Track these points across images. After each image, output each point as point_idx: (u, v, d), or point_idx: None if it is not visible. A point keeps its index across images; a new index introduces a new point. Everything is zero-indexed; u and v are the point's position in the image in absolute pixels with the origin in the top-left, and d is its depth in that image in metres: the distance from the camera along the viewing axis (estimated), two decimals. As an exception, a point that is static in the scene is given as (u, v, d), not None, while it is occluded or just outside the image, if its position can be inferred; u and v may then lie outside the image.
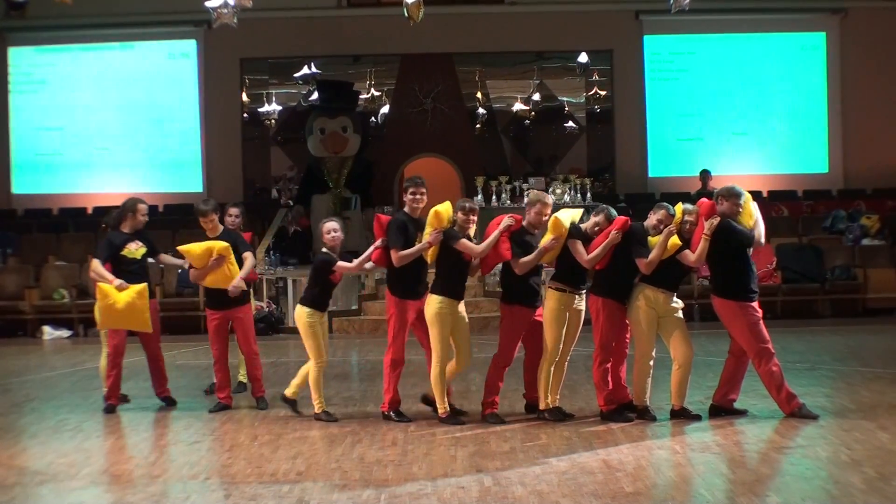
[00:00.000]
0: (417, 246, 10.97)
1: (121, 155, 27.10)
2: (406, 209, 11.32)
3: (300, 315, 11.40)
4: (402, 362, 11.23)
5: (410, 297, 11.15)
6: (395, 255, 10.98)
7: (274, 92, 27.49)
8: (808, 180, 26.73)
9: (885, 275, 21.34)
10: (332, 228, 11.37)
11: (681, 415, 11.01)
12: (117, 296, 11.91)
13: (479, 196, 21.02)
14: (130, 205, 12.69)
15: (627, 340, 11.29)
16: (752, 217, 11.05)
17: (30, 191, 27.16)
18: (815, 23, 27.43)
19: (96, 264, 12.17)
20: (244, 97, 27.33)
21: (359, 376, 15.15)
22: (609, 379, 11.07)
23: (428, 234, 10.95)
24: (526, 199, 11.63)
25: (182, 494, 8.57)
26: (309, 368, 11.46)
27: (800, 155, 27.19)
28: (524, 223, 11.08)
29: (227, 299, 12.13)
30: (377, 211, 25.06)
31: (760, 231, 11.02)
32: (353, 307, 20.60)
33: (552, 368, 11.06)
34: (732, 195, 11.03)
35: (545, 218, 11.06)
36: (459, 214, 11.06)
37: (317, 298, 11.46)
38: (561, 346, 11.03)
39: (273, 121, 27.31)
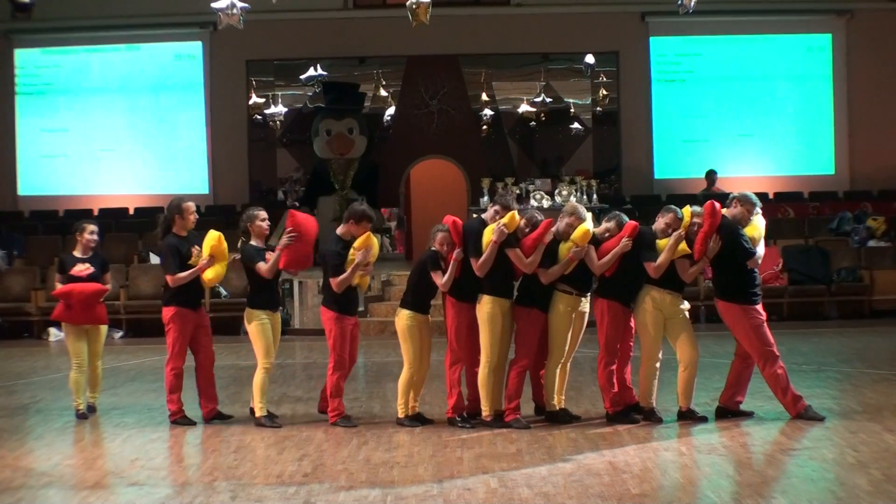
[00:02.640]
0: (487, 251, 10.88)
1: (126, 156, 27.14)
2: (485, 216, 11.26)
3: (399, 318, 11.26)
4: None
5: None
6: (477, 264, 10.91)
7: (280, 93, 27.48)
8: (815, 182, 26.72)
9: (891, 276, 21.27)
10: (444, 241, 11.15)
11: (687, 416, 11.02)
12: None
13: (486, 198, 20.99)
14: (176, 203, 11.97)
15: (632, 343, 11.29)
16: (759, 233, 11.04)
17: (35, 192, 27.20)
18: (821, 24, 27.42)
19: (175, 279, 11.54)
20: (250, 99, 27.34)
21: (365, 378, 15.14)
22: (615, 381, 11.08)
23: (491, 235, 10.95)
24: (562, 208, 11.46)
25: (188, 496, 8.58)
26: (401, 379, 11.32)
27: (806, 156, 27.18)
28: (553, 230, 11.04)
29: (356, 303, 11.62)
30: (382, 211, 25.16)
31: (761, 253, 11.02)
32: (360, 308, 20.54)
33: (557, 370, 11.08)
34: (748, 202, 11.06)
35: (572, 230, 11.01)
36: (523, 223, 11.03)
37: (417, 300, 11.26)
38: (566, 347, 11.06)
39: (279, 122, 27.30)
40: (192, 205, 12.03)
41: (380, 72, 27.59)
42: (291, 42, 26.84)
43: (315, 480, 8.94)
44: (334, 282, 11.15)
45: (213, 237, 11.58)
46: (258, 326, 11.40)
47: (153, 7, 26.50)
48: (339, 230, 11.37)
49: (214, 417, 11.65)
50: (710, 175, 25.36)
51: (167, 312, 11.65)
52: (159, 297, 20.49)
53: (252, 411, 11.53)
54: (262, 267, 11.30)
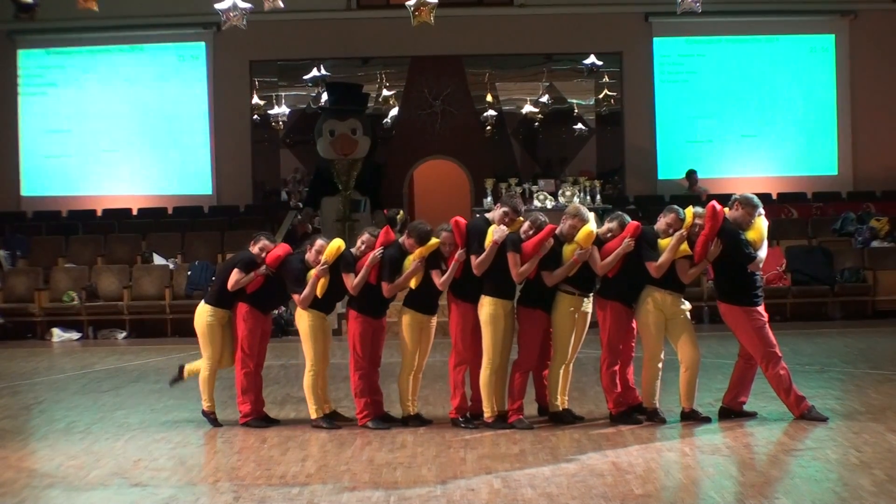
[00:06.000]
0: (486, 251, 10.90)
1: (130, 157, 27.12)
2: (489, 216, 11.31)
3: (405, 318, 11.27)
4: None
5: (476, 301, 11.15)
6: (475, 262, 10.94)
7: (283, 94, 27.50)
8: (818, 182, 26.68)
9: (895, 277, 21.29)
10: (448, 240, 11.11)
11: (690, 417, 11.02)
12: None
13: (489, 198, 21.01)
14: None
15: (634, 343, 11.28)
16: (761, 235, 11.03)
17: (39, 193, 27.18)
18: (825, 25, 27.39)
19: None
20: (254, 99, 27.35)
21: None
22: (617, 381, 11.08)
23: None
24: (566, 210, 11.44)
25: (192, 497, 8.59)
26: (400, 375, 11.37)
27: (809, 157, 27.15)
28: (556, 232, 11.05)
29: (381, 306, 11.39)
30: (384, 212, 25.13)
31: (762, 256, 11.01)
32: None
33: (560, 371, 11.08)
34: (750, 205, 11.02)
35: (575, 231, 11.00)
36: (527, 226, 11.04)
37: (419, 300, 11.27)
38: (570, 348, 11.06)
39: (282, 123, 27.31)
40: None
41: (383, 72, 27.60)
42: (295, 42, 26.84)
43: (318, 481, 8.95)
44: (385, 287, 11.10)
45: (335, 245, 11.35)
46: (310, 328, 11.41)
47: (156, 8, 26.49)
48: (402, 240, 11.26)
49: (261, 419, 11.58)
50: (691, 175, 25.47)
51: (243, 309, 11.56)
52: (162, 298, 20.91)
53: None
54: (350, 282, 11.18)
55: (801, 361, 14.79)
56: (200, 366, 11.65)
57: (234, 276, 11.42)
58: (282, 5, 12.88)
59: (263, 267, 11.43)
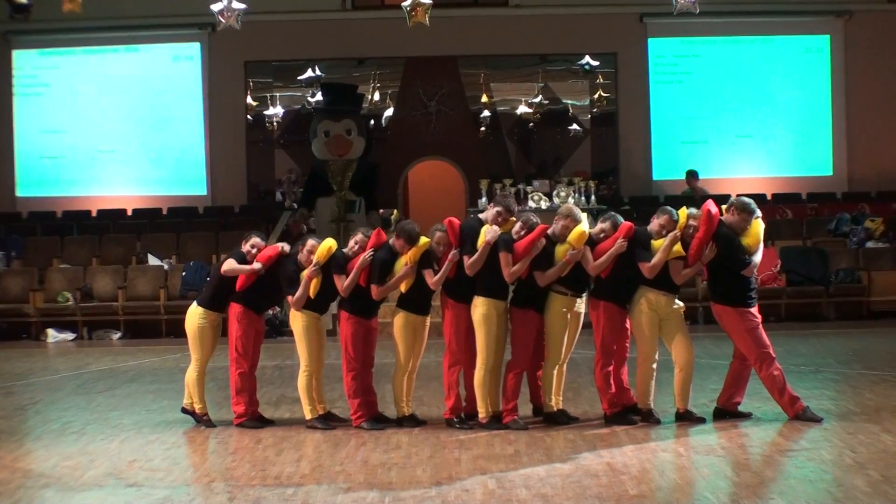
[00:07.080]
0: (479, 251, 10.90)
1: (125, 157, 27.07)
2: (483, 216, 11.34)
3: (398, 319, 11.28)
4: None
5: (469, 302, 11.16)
6: (468, 262, 10.93)
7: (278, 95, 27.48)
8: (813, 183, 26.67)
9: (890, 277, 21.30)
10: (441, 241, 11.15)
11: (685, 417, 11.02)
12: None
13: (484, 199, 21.00)
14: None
15: (628, 344, 11.28)
16: (757, 239, 11.01)
17: (34, 193, 27.12)
18: (820, 26, 27.38)
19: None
20: (248, 100, 27.33)
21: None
22: (612, 382, 11.08)
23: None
24: (558, 210, 11.45)
25: (186, 497, 8.59)
26: (394, 376, 11.41)
27: (804, 158, 27.13)
28: (549, 232, 11.05)
29: (373, 307, 11.42)
30: (380, 213, 25.15)
31: (757, 261, 11.00)
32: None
33: (555, 371, 11.08)
34: (746, 210, 10.99)
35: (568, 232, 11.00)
36: (518, 226, 11.03)
37: (412, 301, 11.26)
38: (564, 348, 11.06)
39: (277, 123, 27.30)
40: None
41: (378, 73, 27.59)
42: (290, 43, 26.80)
43: (313, 482, 8.95)
44: (375, 290, 11.12)
45: (326, 245, 11.35)
46: (304, 329, 11.42)
47: (151, 8, 26.44)
48: (392, 241, 11.27)
49: (255, 419, 11.59)
50: (690, 175, 25.42)
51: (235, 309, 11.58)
52: (157, 298, 20.90)
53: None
54: (340, 284, 11.20)
55: (796, 362, 14.79)
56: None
57: (230, 262, 11.44)
58: (238, 27, 12.94)
59: (258, 265, 11.44)
